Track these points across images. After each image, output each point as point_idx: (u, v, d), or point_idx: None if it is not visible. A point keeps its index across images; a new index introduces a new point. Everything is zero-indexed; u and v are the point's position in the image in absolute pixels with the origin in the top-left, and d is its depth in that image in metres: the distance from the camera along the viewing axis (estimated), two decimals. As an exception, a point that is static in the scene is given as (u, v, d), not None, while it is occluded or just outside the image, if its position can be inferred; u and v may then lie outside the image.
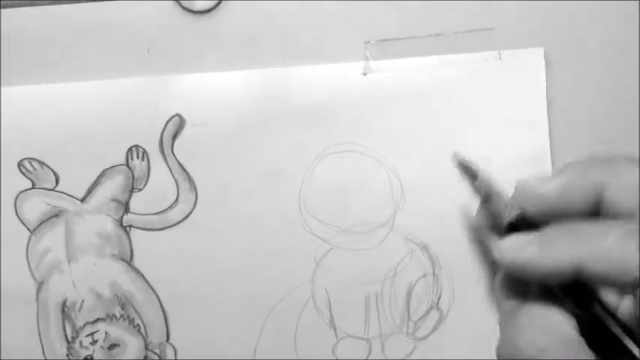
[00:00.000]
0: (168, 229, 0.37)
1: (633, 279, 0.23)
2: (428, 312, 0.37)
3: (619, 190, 0.26)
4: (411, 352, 0.37)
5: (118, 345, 0.37)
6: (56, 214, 0.37)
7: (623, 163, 0.26)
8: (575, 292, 0.26)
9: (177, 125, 0.37)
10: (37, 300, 0.37)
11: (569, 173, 0.27)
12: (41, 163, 0.37)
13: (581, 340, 0.25)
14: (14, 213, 0.37)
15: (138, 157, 0.37)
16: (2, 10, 0.37)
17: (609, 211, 0.26)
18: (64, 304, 0.37)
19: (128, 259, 0.37)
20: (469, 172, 0.32)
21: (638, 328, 0.25)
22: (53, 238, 0.37)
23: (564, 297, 0.26)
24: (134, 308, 0.37)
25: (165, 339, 0.37)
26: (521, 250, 0.26)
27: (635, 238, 0.23)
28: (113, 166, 0.37)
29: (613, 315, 0.25)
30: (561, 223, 0.26)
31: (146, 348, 0.37)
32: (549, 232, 0.26)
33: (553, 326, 0.25)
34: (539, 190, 0.27)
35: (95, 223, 0.37)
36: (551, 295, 0.26)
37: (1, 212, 0.37)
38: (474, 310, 0.37)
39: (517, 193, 0.28)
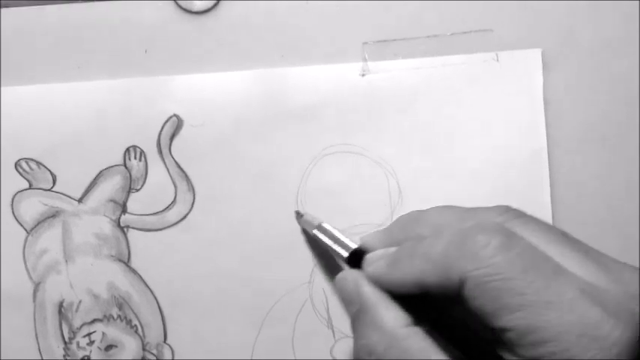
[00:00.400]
0: (166, 230, 0.37)
1: (456, 282, 0.25)
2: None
3: (428, 278, 0.26)
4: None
5: (116, 346, 0.37)
6: (53, 215, 0.37)
7: (480, 244, 0.25)
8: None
9: (175, 126, 0.37)
10: (34, 301, 0.37)
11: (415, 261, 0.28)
12: (38, 163, 0.37)
13: (412, 331, 0.27)
14: (11, 213, 0.37)
15: (135, 158, 0.37)
16: (2, 9, 0.37)
17: (472, 306, 0.25)
18: (61, 305, 0.37)
19: (126, 260, 0.37)
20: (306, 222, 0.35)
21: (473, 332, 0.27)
22: (50, 239, 0.37)
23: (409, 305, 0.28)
24: (131, 309, 0.37)
25: (163, 339, 0.37)
26: (376, 266, 0.29)
27: (457, 243, 0.25)
28: (110, 167, 0.37)
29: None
30: (408, 224, 0.30)
31: (143, 349, 0.37)
32: (398, 251, 0.29)
33: (379, 322, 0.28)
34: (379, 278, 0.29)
35: (92, 223, 0.37)
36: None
37: (-2, 213, 0.37)
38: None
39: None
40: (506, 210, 0.28)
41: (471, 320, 0.26)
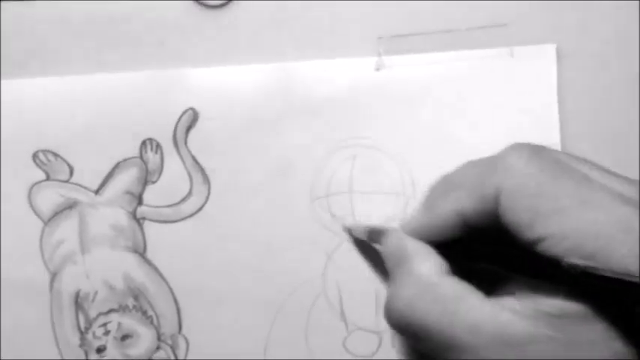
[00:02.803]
0: (182, 222, 0.37)
1: (491, 199, 0.26)
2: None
3: (464, 205, 0.27)
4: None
5: (131, 336, 0.38)
6: (70, 206, 0.37)
7: (513, 158, 0.26)
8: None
9: (191, 119, 0.37)
10: (50, 291, 0.37)
11: (438, 203, 0.29)
12: (56, 155, 0.37)
13: (449, 280, 0.27)
14: (28, 204, 0.37)
15: (152, 150, 0.37)
16: (26, 1, 0.37)
17: (508, 221, 0.26)
18: (77, 295, 0.37)
19: (141, 251, 0.37)
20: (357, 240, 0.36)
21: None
22: (67, 230, 0.37)
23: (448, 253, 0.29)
24: (147, 300, 0.37)
25: (178, 330, 0.38)
26: (413, 219, 0.30)
27: (489, 164, 0.26)
28: (127, 159, 0.37)
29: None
30: (441, 181, 0.31)
31: (159, 339, 0.37)
32: (429, 196, 0.30)
33: (414, 271, 0.28)
34: (414, 228, 0.30)
35: (109, 215, 0.37)
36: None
37: (15, 203, 0.37)
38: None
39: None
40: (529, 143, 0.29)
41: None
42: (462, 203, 0.27)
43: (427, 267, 0.28)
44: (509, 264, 0.27)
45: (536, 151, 0.26)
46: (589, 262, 0.23)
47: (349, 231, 0.37)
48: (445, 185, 0.30)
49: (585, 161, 0.27)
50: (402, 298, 0.28)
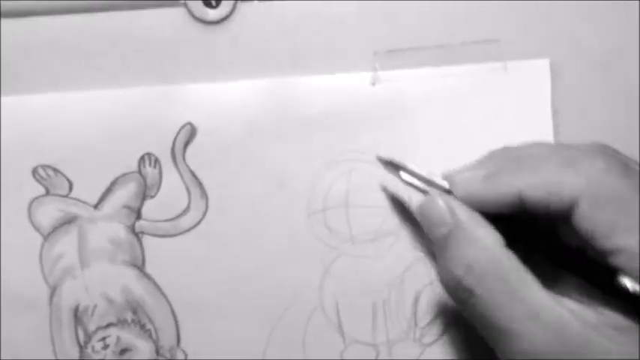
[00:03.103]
0: (180, 236, 0.37)
1: (568, 201, 0.25)
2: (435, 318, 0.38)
3: (534, 192, 0.26)
4: (418, 357, 0.38)
5: (130, 349, 0.38)
6: (69, 221, 0.38)
7: (536, 157, 0.26)
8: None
9: (189, 134, 0.37)
10: (49, 305, 0.38)
11: (492, 172, 0.28)
12: (55, 170, 0.37)
13: (512, 256, 0.26)
14: (28, 219, 0.38)
15: (150, 165, 0.37)
16: (17, 19, 0.37)
17: (583, 226, 0.25)
18: (76, 309, 0.38)
19: (140, 265, 0.38)
20: (394, 166, 0.34)
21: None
22: (66, 244, 0.38)
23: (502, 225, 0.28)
24: (145, 313, 0.38)
25: (176, 343, 0.38)
26: (470, 179, 0.29)
27: (569, 164, 0.26)
28: (126, 174, 0.38)
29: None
30: (504, 152, 0.30)
31: (157, 352, 0.38)
32: (493, 164, 0.29)
33: (478, 242, 0.27)
34: (465, 186, 0.29)
35: (108, 229, 0.38)
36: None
37: (14, 218, 0.38)
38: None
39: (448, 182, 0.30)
40: (607, 147, 0.28)
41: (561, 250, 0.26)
42: (532, 191, 0.26)
43: (491, 237, 0.27)
44: (561, 255, 0.27)
45: (625, 166, 0.26)
46: None
47: (384, 162, 0.34)
48: (514, 160, 0.29)
49: None
50: (467, 269, 0.27)
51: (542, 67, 0.37)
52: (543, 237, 0.28)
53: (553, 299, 0.25)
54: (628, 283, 0.24)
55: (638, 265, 0.23)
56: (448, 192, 0.30)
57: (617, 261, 0.24)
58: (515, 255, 0.27)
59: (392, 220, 0.37)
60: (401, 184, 0.34)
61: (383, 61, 0.38)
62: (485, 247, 0.27)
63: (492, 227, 0.28)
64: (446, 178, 0.31)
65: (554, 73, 0.37)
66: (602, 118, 0.38)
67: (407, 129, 0.37)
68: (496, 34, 0.38)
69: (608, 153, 0.26)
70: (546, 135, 0.37)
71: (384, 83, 0.38)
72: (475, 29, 0.38)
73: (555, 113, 0.37)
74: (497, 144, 0.37)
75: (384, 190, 0.36)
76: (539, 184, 0.26)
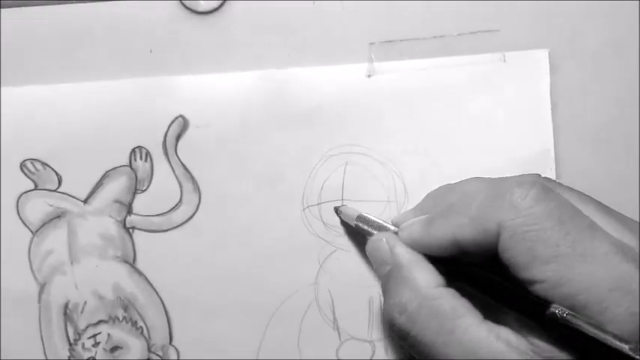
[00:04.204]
0: (172, 231, 0.37)
1: (492, 235, 0.25)
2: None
3: (464, 233, 0.27)
4: (415, 354, 0.37)
5: (121, 347, 0.37)
6: (59, 216, 0.37)
7: (519, 195, 0.25)
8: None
9: (181, 126, 0.37)
10: (39, 302, 0.37)
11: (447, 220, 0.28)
12: (44, 164, 0.37)
13: (447, 295, 0.27)
14: (16, 214, 0.37)
15: (141, 158, 0.37)
16: (2, 10, 0.37)
17: (506, 258, 0.26)
18: (66, 306, 0.37)
19: (131, 261, 0.37)
20: (346, 214, 0.36)
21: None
22: (55, 240, 0.37)
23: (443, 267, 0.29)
24: (137, 310, 0.37)
25: (169, 341, 0.37)
26: (412, 229, 0.30)
27: (494, 196, 0.26)
28: (116, 167, 0.37)
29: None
30: (441, 194, 0.32)
31: (149, 350, 0.37)
32: (432, 207, 0.30)
33: (411, 283, 0.28)
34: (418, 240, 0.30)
35: (98, 224, 0.37)
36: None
37: (2, 213, 0.37)
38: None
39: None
40: (538, 176, 0.29)
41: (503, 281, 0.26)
42: (462, 231, 0.27)
43: (424, 278, 0.28)
44: (500, 290, 0.27)
45: (544, 191, 0.25)
46: (579, 316, 0.23)
47: (338, 212, 0.36)
48: (447, 201, 0.30)
49: (591, 201, 0.27)
50: (401, 311, 0.28)
51: (541, 57, 0.37)
52: (484, 272, 0.28)
53: (491, 332, 0.25)
54: (557, 311, 0.24)
55: (558, 295, 0.24)
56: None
57: (538, 291, 0.24)
58: (453, 293, 0.27)
59: (388, 213, 0.37)
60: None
61: (379, 53, 0.37)
62: (417, 288, 0.28)
63: (432, 268, 0.29)
64: (395, 224, 0.32)
65: (553, 64, 0.37)
66: (601, 108, 0.37)
67: (403, 121, 0.37)
68: (495, 25, 0.37)
69: (532, 181, 0.26)
70: (545, 126, 0.36)
71: (380, 75, 0.37)
72: (473, 19, 0.37)
73: (554, 104, 0.37)
74: (495, 135, 0.37)
75: (336, 211, 0.37)
76: (466, 224, 0.27)
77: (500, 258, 0.26)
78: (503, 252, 0.25)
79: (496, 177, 0.31)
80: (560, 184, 0.28)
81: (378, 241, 0.31)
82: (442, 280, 0.28)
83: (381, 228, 0.33)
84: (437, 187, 0.34)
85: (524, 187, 0.26)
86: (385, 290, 0.30)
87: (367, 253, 0.32)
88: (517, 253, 0.25)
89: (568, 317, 0.23)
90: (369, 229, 0.33)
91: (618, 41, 0.37)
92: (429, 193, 0.33)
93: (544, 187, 0.26)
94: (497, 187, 0.27)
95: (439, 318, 0.26)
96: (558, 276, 0.24)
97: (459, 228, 0.27)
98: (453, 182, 0.32)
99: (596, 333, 0.22)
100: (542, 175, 0.30)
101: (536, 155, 0.36)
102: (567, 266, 0.24)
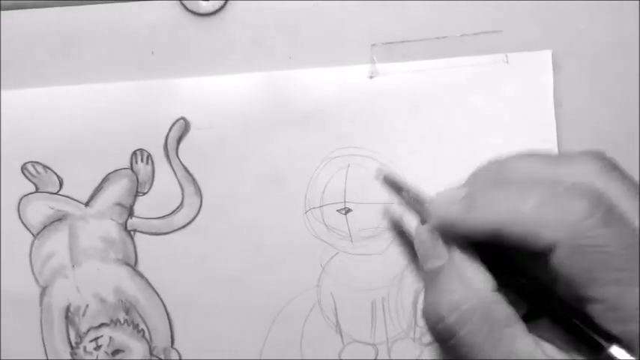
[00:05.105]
0: (173, 234, 0.37)
1: (547, 244, 0.24)
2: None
3: (512, 229, 0.25)
4: (418, 357, 0.37)
5: (123, 350, 0.37)
6: (60, 219, 0.37)
7: (520, 184, 0.25)
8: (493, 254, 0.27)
9: (182, 128, 0.36)
10: (40, 305, 0.37)
11: (475, 197, 0.27)
12: (45, 166, 0.37)
13: (502, 300, 0.26)
14: (17, 217, 0.37)
15: (142, 161, 0.37)
16: (3, 12, 0.37)
17: (561, 273, 0.25)
18: (67, 309, 0.37)
19: (132, 264, 0.37)
20: (394, 186, 0.33)
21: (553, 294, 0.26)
22: (57, 243, 0.37)
23: (482, 257, 0.27)
24: (138, 313, 0.37)
25: (170, 344, 0.37)
26: (448, 207, 0.27)
27: (551, 204, 0.24)
28: (117, 170, 0.37)
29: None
30: (489, 171, 0.28)
31: (151, 353, 0.37)
32: (474, 193, 0.27)
33: (468, 283, 0.26)
34: (447, 212, 0.28)
35: (99, 227, 0.37)
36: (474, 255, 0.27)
37: (3, 216, 0.37)
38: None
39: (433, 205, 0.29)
40: (600, 158, 0.27)
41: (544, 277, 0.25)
42: (509, 227, 0.25)
43: (482, 279, 0.27)
44: (534, 292, 0.26)
45: (608, 214, 0.24)
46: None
47: (385, 178, 0.34)
48: (497, 187, 0.27)
49: None
50: (453, 309, 0.26)
51: (544, 58, 0.36)
52: (517, 268, 0.27)
53: (537, 346, 0.25)
54: (618, 351, 0.23)
55: (612, 318, 0.23)
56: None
57: (592, 311, 0.24)
58: (503, 297, 0.26)
59: (392, 216, 0.36)
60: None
61: (381, 54, 0.37)
62: (474, 289, 0.26)
63: (484, 268, 0.27)
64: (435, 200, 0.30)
65: (556, 65, 0.36)
66: (604, 109, 0.37)
67: (406, 123, 0.36)
68: (497, 26, 0.37)
69: (598, 198, 0.24)
70: (549, 127, 0.36)
71: (383, 76, 0.37)
72: (476, 20, 0.37)
73: (558, 105, 0.36)
74: (499, 136, 0.36)
75: (381, 176, 0.34)
76: (517, 222, 0.25)
77: (551, 267, 0.25)
78: (558, 265, 0.24)
79: (550, 155, 0.28)
80: (620, 175, 0.26)
81: (431, 231, 0.29)
82: (496, 284, 0.27)
83: (421, 205, 0.30)
84: (474, 169, 0.30)
85: (588, 205, 0.24)
86: (431, 286, 0.28)
87: (415, 239, 0.30)
88: (575, 271, 0.24)
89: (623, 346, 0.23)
90: (415, 207, 0.31)
91: (621, 41, 0.37)
92: (475, 172, 0.30)
93: (609, 207, 0.24)
94: (556, 187, 0.25)
95: (492, 323, 0.25)
96: (616, 299, 0.23)
97: (507, 223, 0.25)
98: (503, 158, 0.29)
99: None
100: (603, 154, 0.27)
101: (540, 157, 0.36)
102: (626, 291, 0.23)
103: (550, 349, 0.25)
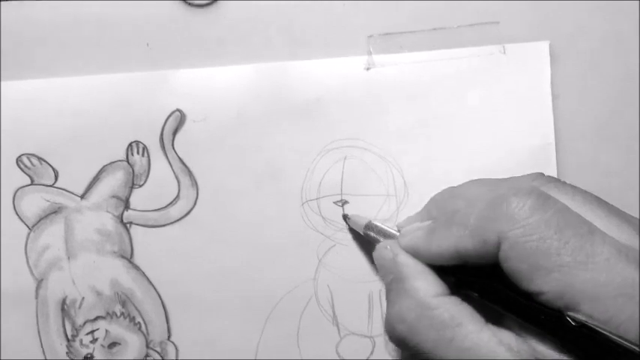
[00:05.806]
0: (169, 226, 0.36)
1: (493, 246, 0.25)
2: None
3: (465, 244, 0.27)
4: (415, 349, 0.37)
5: (119, 343, 0.37)
6: (55, 211, 0.37)
7: (516, 206, 0.25)
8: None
9: (178, 120, 0.36)
10: (36, 298, 0.37)
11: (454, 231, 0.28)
12: (40, 159, 0.36)
13: (445, 304, 0.27)
14: (12, 209, 0.37)
15: (138, 153, 0.36)
16: (2, 3, 0.36)
17: (508, 269, 0.25)
18: (63, 302, 0.37)
19: (128, 256, 0.37)
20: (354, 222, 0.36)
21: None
22: (52, 235, 0.37)
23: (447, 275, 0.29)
24: (135, 306, 0.37)
25: (167, 337, 0.37)
26: (411, 236, 0.30)
27: (493, 207, 0.26)
28: (113, 162, 0.36)
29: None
30: (443, 200, 0.32)
31: (147, 346, 0.37)
32: (434, 222, 0.29)
33: (410, 293, 0.28)
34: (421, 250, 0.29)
35: (95, 219, 0.37)
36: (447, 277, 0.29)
37: (-1, 209, 0.37)
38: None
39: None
40: (539, 176, 0.29)
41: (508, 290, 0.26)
42: (463, 242, 0.27)
43: (424, 287, 0.28)
44: (504, 298, 0.27)
45: (541, 200, 0.25)
46: (590, 321, 0.23)
47: (346, 219, 0.36)
48: (449, 207, 0.30)
49: (591, 199, 0.27)
50: (401, 320, 0.28)
51: (541, 49, 0.36)
52: (488, 280, 0.28)
53: (493, 337, 0.25)
54: (571, 318, 0.23)
55: (562, 305, 0.23)
56: None
57: (542, 301, 0.24)
58: (454, 300, 0.27)
59: (388, 207, 0.36)
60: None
61: (378, 45, 0.36)
62: (416, 297, 0.28)
63: (434, 277, 0.28)
64: (400, 230, 0.32)
65: (554, 56, 0.36)
66: (602, 101, 0.37)
67: (403, 114, 0.36)
68: (495, 17, 0.36)
69: (529, 189, 0.26)
70: (546, 118, 0.36)
71: (379, 68, 0.36)
72: (473, 11, 0.36)
73: (555, 96, 0.36)
74: (496, 127, 0.36)
75: (344, 218, 0.36)
76: (466, 235, 0.26)
77: (502, 268, 0.25)
78: (504, 262, 0.25)
79: (496, 178, 0.31)
80: (559, 184, 0.28)
81: (382, 249, 0.31)
82: (443, 289, 0.28)
83: (387, 235, 0.33)
84: (441, 188, 0.33)
85: (520, 196, 0.25)
86: (387, 299, 0.30)
87: (374, 260, 0.32)
88: (518, 263, 0.24)
89: (581, 321, 0.23)
90: (377, 237, 0.33)
91: (620, 33, 0.37)
92: (432, 197, 0.33)
93: (540, 195, 0.25)
94: (496, 195, 0.26)
95: (438, 327, 0.26)
96: (561, 286, 0.23)
97: (460, 239, 0.27)
98: (456, 185, 0.32)
99: (613, 338, 0.22)
100: (543, 173, 0.29)
101: (537, 148, 0.36)
102: (569, 275, 0.23)
103: (507, 337, 0.25)
